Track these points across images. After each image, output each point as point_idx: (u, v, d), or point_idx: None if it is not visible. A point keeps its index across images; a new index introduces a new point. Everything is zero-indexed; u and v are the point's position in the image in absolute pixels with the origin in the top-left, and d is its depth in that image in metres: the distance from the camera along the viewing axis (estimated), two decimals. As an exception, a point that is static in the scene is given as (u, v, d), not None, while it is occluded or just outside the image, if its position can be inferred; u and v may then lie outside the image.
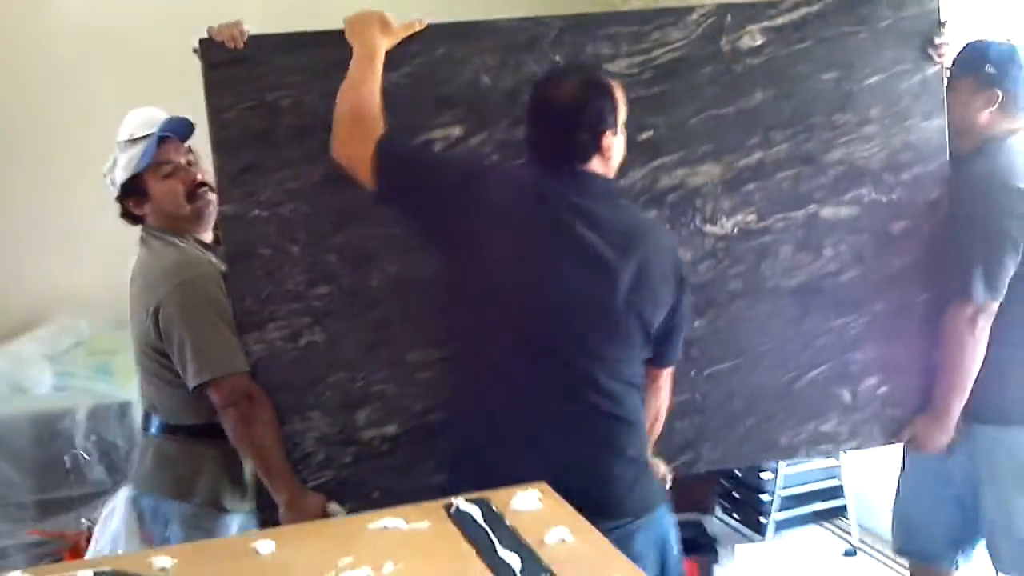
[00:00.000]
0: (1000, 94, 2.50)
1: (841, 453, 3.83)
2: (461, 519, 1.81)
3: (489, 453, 2.12)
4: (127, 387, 3.87)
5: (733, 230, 2.49)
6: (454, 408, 2.28)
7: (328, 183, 2.30)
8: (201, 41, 2.26)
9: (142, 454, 2.53)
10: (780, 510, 4.04)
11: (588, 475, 2.06)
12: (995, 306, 2.47)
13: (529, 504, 1.85)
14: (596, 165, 2.10)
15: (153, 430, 2.49)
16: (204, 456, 2.42)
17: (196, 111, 2.34)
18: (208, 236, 2.52)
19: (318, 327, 2.34)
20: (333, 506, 2.37)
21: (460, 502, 1.86)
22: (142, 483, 2.47)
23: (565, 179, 2.09)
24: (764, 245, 2.51)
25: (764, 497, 4.01)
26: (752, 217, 2.50)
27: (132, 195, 2.45)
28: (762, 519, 4.04)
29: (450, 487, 2.03)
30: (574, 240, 2.05)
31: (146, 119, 2.43)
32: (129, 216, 2.50)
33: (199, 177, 2.47)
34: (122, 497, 2.51)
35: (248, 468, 2.43)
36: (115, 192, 2.46)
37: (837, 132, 2.52)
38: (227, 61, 2.25)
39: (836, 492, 4.14)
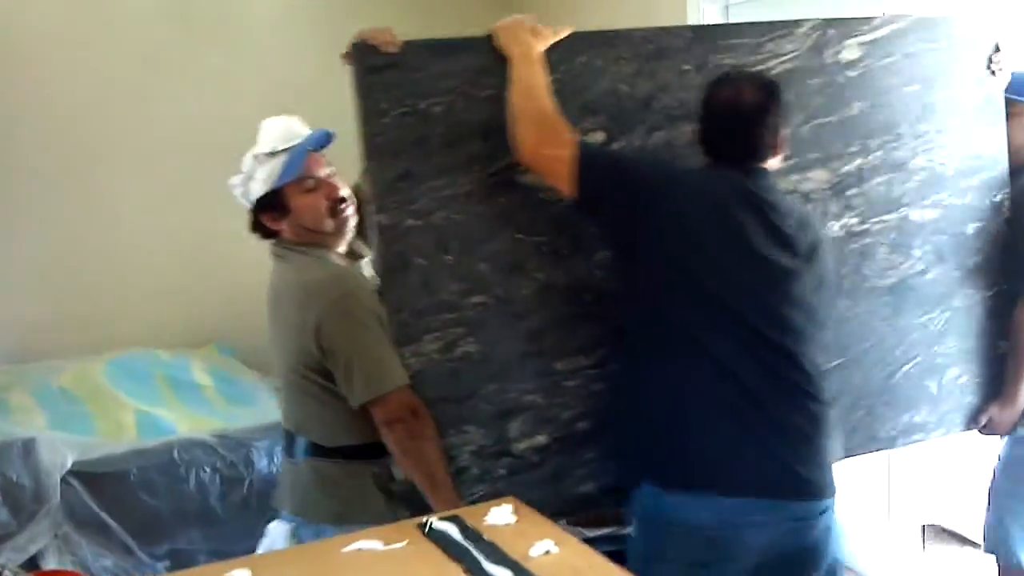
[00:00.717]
0: None
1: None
2: (438, 537, 1.86)
3: (717, 449, 2.13)
4: (27, 423, 3.64)
5: (841, 232, 2.59)
6: (663, 409, 2.20)
7: (478, 191, 2.29)
8: (354, 45, 2.21)
9: (293, 481, 2.42)
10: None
11: (814, 460, 2.15)
12: None
13: (504, 518, 1.93)
14: (771, 162, 2.24)
15: (302, 454, 2.37)
16: (365, 476, 2.32)
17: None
18: (342, 249, 2.45)
19: (472, 338, 2.30)
20: None
21: (434, 520, 1.92)
22: (304, 510, 2.36)
23: (752, 177, 2.19)
24: (865, 247, 2.63)
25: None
26: (855, 220, 2.61)
27: (270, 209, 2.36)
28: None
29: (666, 482, 2.15)
30: (777, 236, 2.15)
31: (286, 130, 2.34)
32: (261, 230, 2.42)
33: (341, 192, 2.39)
34: (278, 531, 2.38)
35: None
36: (248, 205, 2.39)
37: (920, 140, 2.66)
38: (382, 66, 2.21)
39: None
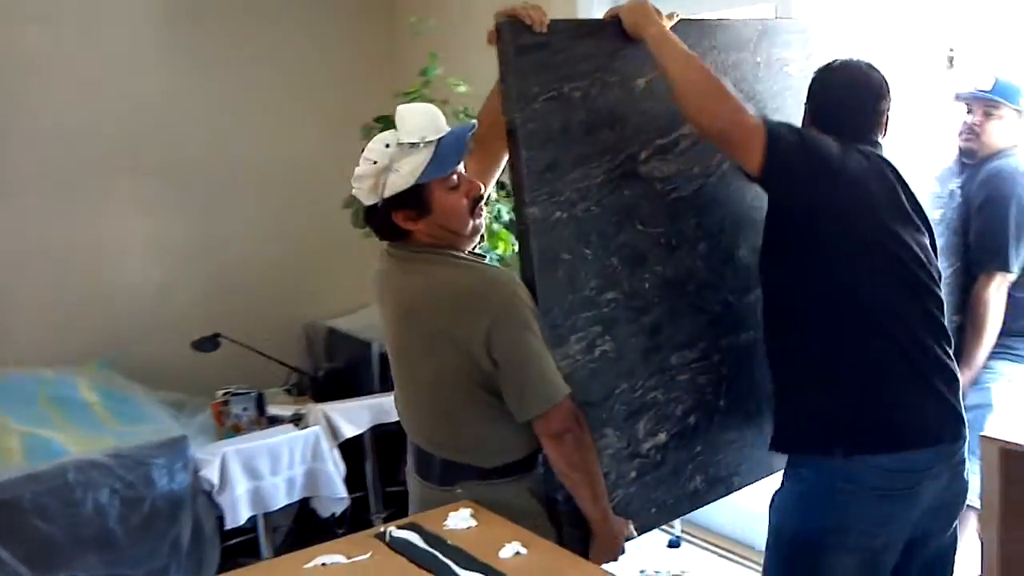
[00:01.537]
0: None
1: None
2: (401, 546, 1.89)
3: (905, 401, 2.21)
4: None
5: None
6: (849, 371, 2.22)
7: (608, 182, 2.21)
8: (502, 22, 2.05)
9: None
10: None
11: (960, 399, 2.28)
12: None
13: (464, 522, 1.97)
14: (883, 139, 2.37)
15: (457, 479, 2.13)
16: (524, 495, 2.14)
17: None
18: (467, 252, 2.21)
19: (608, 335, 2.22)
20: (631, 528, 2.22)
21: (392, 529, 1.95)
22: None
23: (880, 150, 2.34)
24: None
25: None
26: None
27: (408, 206, 2.08)
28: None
29: (856, 446, 2.17)
30: (912, 201, 2.31)
31: (433, 120, 2.07)
32: (386, 229, 2.14)
33: (482, 191, 2.17)
34: None
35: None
36: (372, 201, 2.09)
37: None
38: (532, 46, 2.07)
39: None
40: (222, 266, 4.87)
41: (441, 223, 2.11)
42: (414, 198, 2.07)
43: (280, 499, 3.68)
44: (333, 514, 3.81)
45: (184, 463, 3.56)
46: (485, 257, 2.23)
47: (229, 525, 3.58)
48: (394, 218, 2.09)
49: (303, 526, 3.94)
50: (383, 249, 2.22)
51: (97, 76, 4.48)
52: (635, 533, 2.22)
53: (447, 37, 4.52)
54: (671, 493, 2.37)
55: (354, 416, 3.90)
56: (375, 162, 2.04)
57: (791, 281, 2.25)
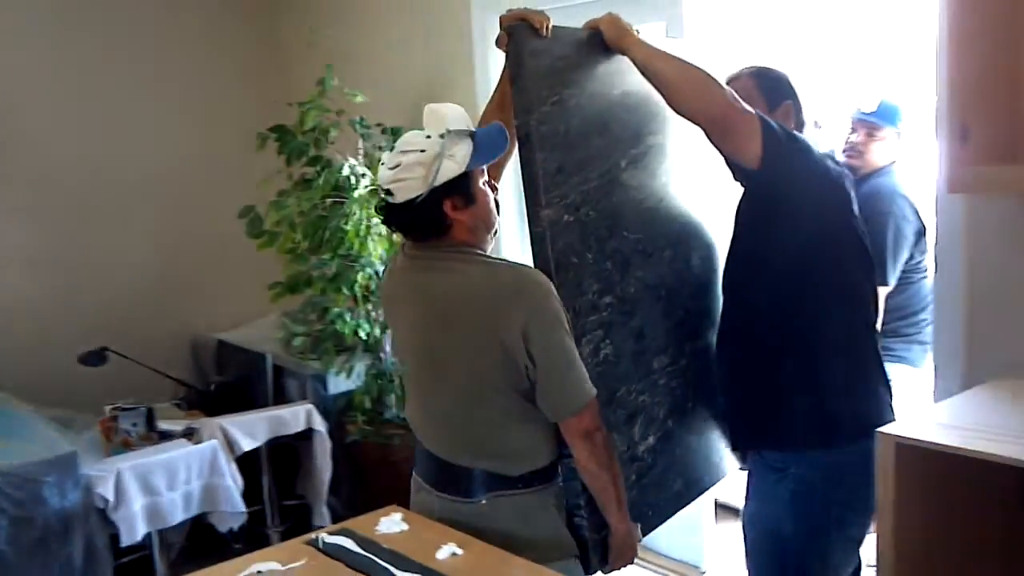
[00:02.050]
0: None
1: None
2: (336, 552, 1.92)
3: (880, 386, 2.42)
4: None
5: None
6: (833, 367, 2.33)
7: (601, 186, 2.25)
8: (516, 26, 2.09)
9: (477, 526, 2.04)
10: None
11: None
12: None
13: (396, 526, 2.03)
14: None
15: (483, 490, 2.08)
16: (549, 504, 2.12)
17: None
18: None
19: (608, 339, 2.24)
20: (638, 531, 2.23)
21: (323, 536, 1.99)
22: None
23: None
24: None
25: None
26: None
27: (459, 193, 2.05)
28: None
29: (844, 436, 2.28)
30: None
31: (464, 114, 2.09)
32: (428, 221, 2.06)
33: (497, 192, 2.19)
34: None
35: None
36: (418, 192, 2.01)
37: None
38: (541, 51, 2.11)
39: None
40: (106, 279, 4.74)
41: (480, 215, 2.10)
42: (464, 185, 2.05)
43: (178, 514, 3.61)
44: (231, 529, 3.75)
45: (75, 480, 3.45)
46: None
47: (125, 542, 3.49)
48: (444, 207, 2.05)
49: (196, 543, 3.87)
50: (402, 251, 2.19)
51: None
52: (642, 537, 2.24)
53: (341, 48, 4.52)
54: (660, 495, 2.40)
55: (251, 429, 3.85)
56: (423, 151, 2.00)
57: (780, 279, 2.28)
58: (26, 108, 4.50)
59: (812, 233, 2.24)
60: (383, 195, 2.06)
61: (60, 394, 4.25)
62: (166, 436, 3.86)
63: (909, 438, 2.25)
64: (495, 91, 2.37)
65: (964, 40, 2.44)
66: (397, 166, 2.01)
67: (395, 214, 2.07)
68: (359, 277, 3.87)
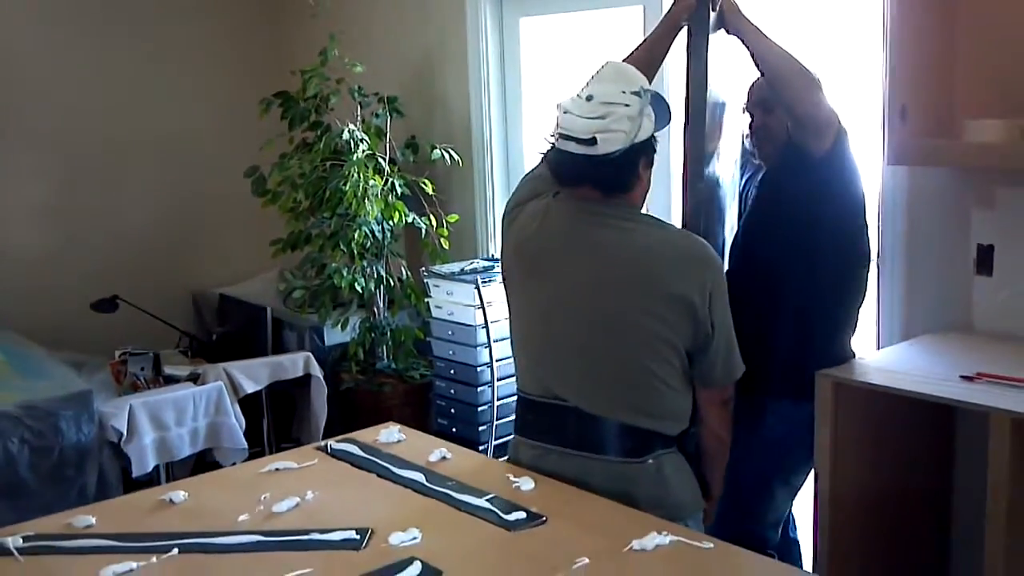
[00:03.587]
0: None
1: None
2: (343, 455, 2.22)
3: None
4: None
5: None
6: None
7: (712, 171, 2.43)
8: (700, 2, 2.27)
9: (648, 484, 2.05)
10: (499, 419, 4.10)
11: None
12: None
13: (394, 437, 2.32)
14: None
15: (650, 451, 2.06)
16: (687, 466, 2.16)
17: None
18: None
19: None
20: None
21: (331, 443, 2.28)
22: (675, 513, 2.00)
23: None
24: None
25: (481, 408, 4.14)
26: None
27: (649, 152, 2.08)
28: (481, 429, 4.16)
29: None
30: None
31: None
32: (617, 179, 2.06)
33: None
34: None
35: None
36: (623, 146, 1.99)
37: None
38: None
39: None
40: (114, 234, 5.03)
41: (649, 180, 2.16)
42: (653, 146, 2.09)
43: (185, 449, 3.90)
44: (234, 463, 4.04)
45: (90, 415, 3.73)
46: None
47: (136, 473, 3.77)
48: (639, 164, 2.07)
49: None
50: (560, 203, 2.14)
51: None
52: None
53: (340, 19, 4.80)
54: None
55: (254, 373, 4.14)
56: (628, 105, 1.99)
57: (791, 245, 2.49)
58: (44, 74, 4.76)
59: (837, 214, 2.49)
60: (569, 143, 2.01)
61: (70, 339, 4.54)
62: (171, 380, 4.14)
63: (846, 379, 2.56)
64: (639, 50, 2.49)
65: (905, 32, 2.75)
66: (602, 117, 1.97)
67: (586, 164, 2.01)
68: (356, 235, 4.16)
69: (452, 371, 4.20)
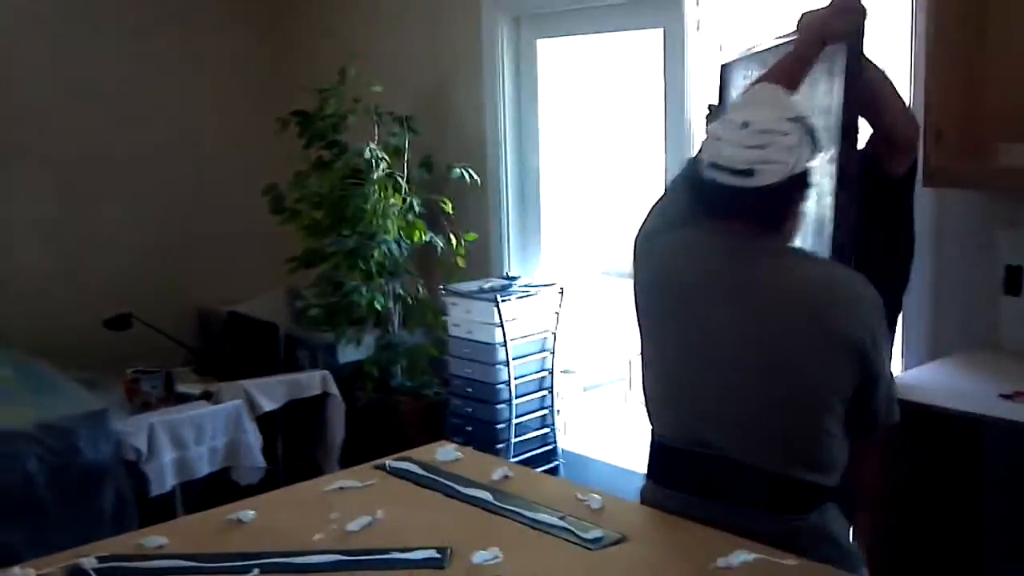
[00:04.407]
0: None
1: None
2: (404, 474, 2.21)
3: None
4: None
5: None
6: None
7: None
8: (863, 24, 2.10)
9: (808, 542, 1.84)
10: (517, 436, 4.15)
11: None
12: None
13: (451, 456, 2.31)
14: None
15: (815, 504, 1.88)
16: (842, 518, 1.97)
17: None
18: None
19: None
20: None
21: (390, 462, 2.27)
22: None
23: None
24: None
25: (499, 426, 4.14)
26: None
27: (805, 186, 1.91)
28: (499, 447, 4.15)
29: None
30: None
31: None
32: (775, 213, 1.90)
33: None
34: None
35: None
36: (783, 176, 1.82)
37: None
38: None
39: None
40: (119, 252, 5.00)
41: (804, 213, 2.00)
42: (809, 179, 1.91)
43: (204, 468, 3.88)
44: (251, 484, 4.02)
45: (107, 435, 3.71)
46: None
47: (155, 492, 3.75)
48: (797, 198, 1.92)
49: (211, 501, 4.11)
50: (708, 237, 1.97)
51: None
52: None
53: (355, 40, 4.82)
54: None
55: (271, 391, 4.13)
56: (786, 134, 1.83)
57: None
58: (54, 92, 4.74)
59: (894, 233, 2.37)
60: (722, 173, 1.85)
61: (80, 357, 4.50)
62: (183, 398, 4.12)
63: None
64: (776, 69, 2.18)
65: (938, 54, 2.81)
66: (760, 147, 1.82)
67: (741, 197, 1.85)
68: (375, 253, 4.16)
69: (469, 389, 4.20)
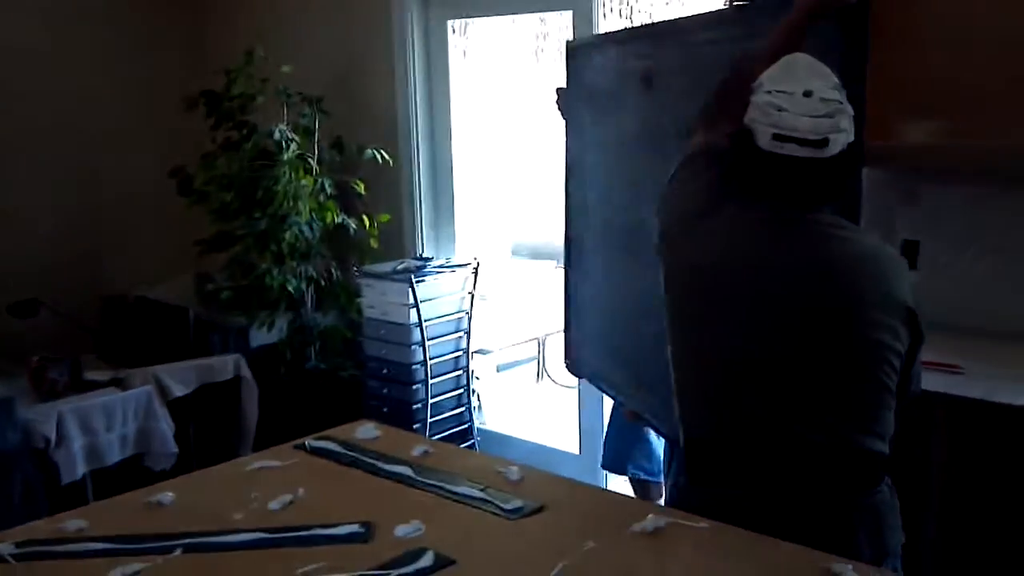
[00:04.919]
0: None
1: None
2: (323, 453, 2.24)
3: None
4: None
5: None
6: None
7: None
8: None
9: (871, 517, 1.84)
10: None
11: None
12: None
13: (370, 434, 2.35)
14: None
15: (885, 478, 1.88)
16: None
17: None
18: None
19: None
20: None
21: (309, 441, 2.29)
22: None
23: None
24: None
25: (416, 406, 4.19)
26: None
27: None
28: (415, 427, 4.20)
29: None
30: None
31: None
32: (831, 184, 1.86)
33: None
34: None
35: None
36: (842, 147, 1.80)
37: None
38: None
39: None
40: (22, 237, 4.86)
41: None
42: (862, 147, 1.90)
43: (114, 455, 3.83)
44: (164, 470, 3.98)
45: (13, 424, 3.64)
46: None
47: (65, 480, 3.69)
48: (858, 166, 1.90)
49: (123, 487, 4.06)
50: (748, 214, 1.91)
51: None
52: None
53: (265, 18, 4.77)
54: None
55: (182, 376, 4.09)
56: (841, 102, 1.81)
57: None
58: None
59: None
60: (790, 144, 1.80)
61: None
62: (92, 385, 4.05)
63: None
64: (779, 39, 2.08)
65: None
66: (829, 115, 1.78)
67: (812, 169, 1.81)
68: (286, 235, 4.14)
69: (385, 370, 4.22)
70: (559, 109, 3.25)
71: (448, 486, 2.00)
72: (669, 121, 2.54)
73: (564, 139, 3.23)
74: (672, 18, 2.98)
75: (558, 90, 3.22)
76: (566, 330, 3.35)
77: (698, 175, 2.02)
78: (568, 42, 3.27)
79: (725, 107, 2.00)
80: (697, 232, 1.95)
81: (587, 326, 3.22)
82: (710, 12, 2.73)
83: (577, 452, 4.25)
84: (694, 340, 1.95)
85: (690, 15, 2.74)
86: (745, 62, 2.05)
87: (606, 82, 2.99)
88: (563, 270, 3.37)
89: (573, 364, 3.36)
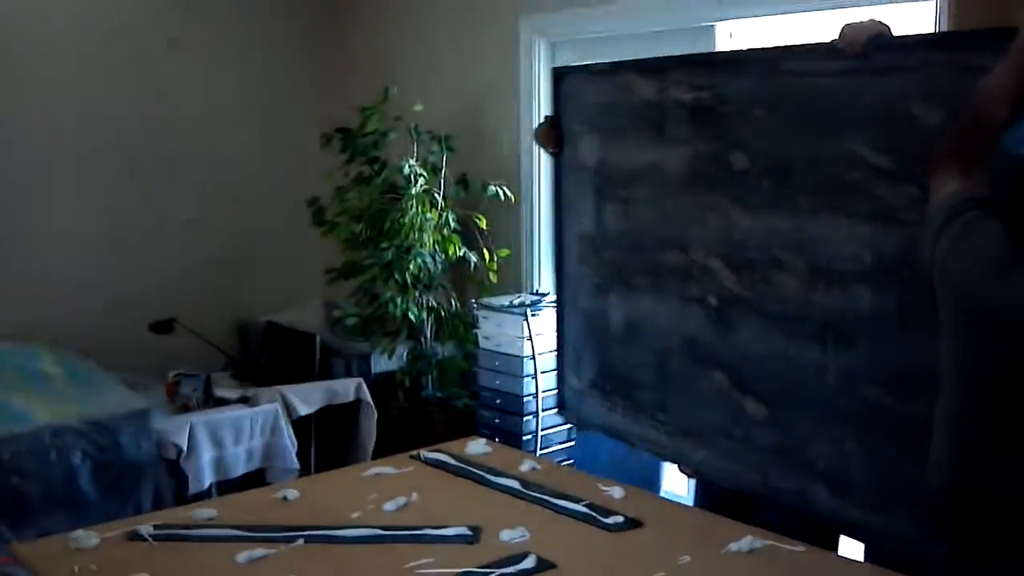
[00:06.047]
0: None
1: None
2: (436, 463, 2.38)
3: None
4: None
5: None
6: None
7: None
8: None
9: None
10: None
11: None
12: None
13: (481, 449, 2.49)
14: None
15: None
16: None
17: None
18: None
19: None
20: None
21: (423, 452, 2.45)
22: None
23: None
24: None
25: (525, 437, 4.19)
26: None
27: None
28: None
29: None
30: None
31: None
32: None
33: None
34: None
35: None
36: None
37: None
38: None
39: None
40: (164, 263, 5.19)
41: None
42: None
43: (240, 467, 4.03)
44: (284, 484, 4.15)
45: (148, 433, 3.87)
46: None
47: (193, 490, 3.89)
48: None
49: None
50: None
51: (48, 73, 4.79)
52: None
53: (397, 60, 5.00)
54: None
55: (307, 397, 4.28)
56: None
57: None
58: (108, 101, 4.95)
59: None
60: None
61: (122, 359, 4.67)
62: (222, 402, 4.28)
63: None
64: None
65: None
66: None
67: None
68: (411, 266, 4.32)
69: (498, 400, 4.32)
70: (540, 140, 3.07)
71: (552, 499, 2.09)
72: (745, 157, 2.37)
73: (553, 171, 3.07)
74: (737, 48, 2.88)
75: (547, 118, 2.99)
76: (560, 381, 2.95)
77: (977, 226, 1.70)
78: (555, 69, 3.04)
79: (967, 153, 1.79)
80: (1010, 283, 1.63)
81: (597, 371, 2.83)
82: (808, 44, 2.47)
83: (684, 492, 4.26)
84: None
85: (769, 46, 2.53)
86: (979, 104, 1.80)
87: (628, 111, 2.74)
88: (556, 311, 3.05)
89: (574, 416, 2.90)
